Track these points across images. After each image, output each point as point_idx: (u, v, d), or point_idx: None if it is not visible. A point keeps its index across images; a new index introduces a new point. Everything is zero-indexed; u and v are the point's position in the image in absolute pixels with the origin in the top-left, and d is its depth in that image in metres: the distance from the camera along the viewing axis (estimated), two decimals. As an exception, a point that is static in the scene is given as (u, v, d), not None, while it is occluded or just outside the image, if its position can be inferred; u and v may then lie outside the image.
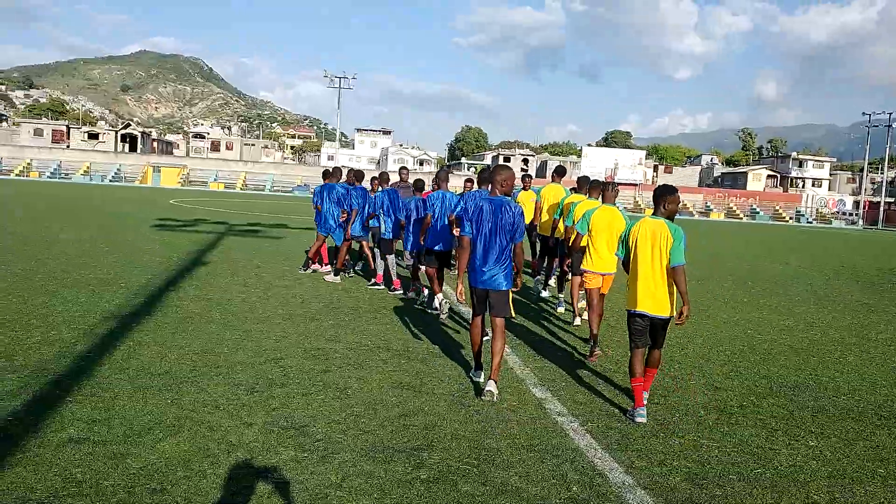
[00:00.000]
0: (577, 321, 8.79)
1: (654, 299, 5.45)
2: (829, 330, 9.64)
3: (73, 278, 9.90)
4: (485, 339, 6.29)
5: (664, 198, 5.56)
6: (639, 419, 5.22)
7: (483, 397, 5.49)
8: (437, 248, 8.88)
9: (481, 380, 5.97)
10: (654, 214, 5.65)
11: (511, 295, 5.81)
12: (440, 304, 8.68)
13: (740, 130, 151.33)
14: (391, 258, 10.73)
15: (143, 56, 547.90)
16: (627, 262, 5.70)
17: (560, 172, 11.68)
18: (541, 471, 4.23)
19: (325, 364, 6.26)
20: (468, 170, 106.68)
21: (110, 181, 73.04)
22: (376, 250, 11.35)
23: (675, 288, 5.41)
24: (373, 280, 11.03)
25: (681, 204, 10.66)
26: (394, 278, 10.62)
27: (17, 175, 71.40)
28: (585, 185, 9.19)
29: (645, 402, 5.39)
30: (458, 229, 6.56)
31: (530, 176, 13.02)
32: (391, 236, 10.66)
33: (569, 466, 4.32)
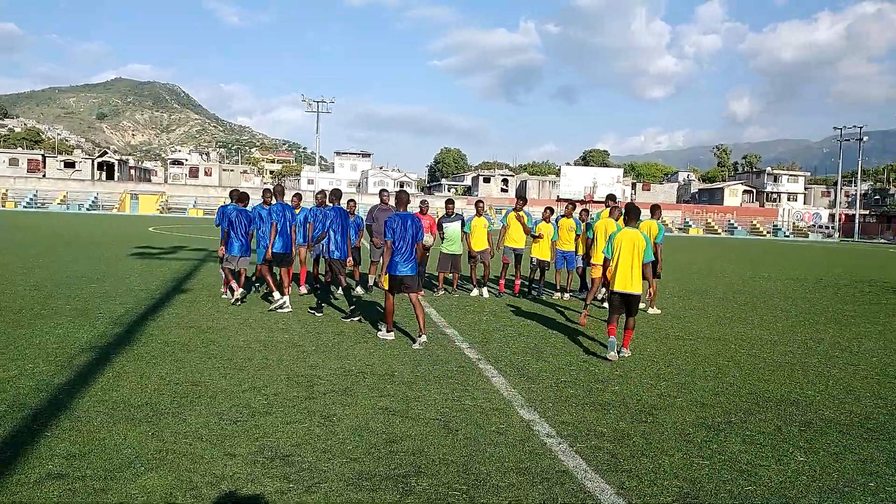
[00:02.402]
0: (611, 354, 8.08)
1: (630, 283, 8.03)
2: (813, 343, 9.70)
3: (50, 309, 9.72)
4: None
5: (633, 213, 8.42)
6: (610, 354, 7.83)
7: (417, 346, 8.19)
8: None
9: (391, 337, 8.63)
10: (627, 225, 8.28)
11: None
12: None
13: (715, 147, 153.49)
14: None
15: (118, 83, 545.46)
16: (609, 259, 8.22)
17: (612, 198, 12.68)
18: (531, 494, 4.17)
19: (309, 391, 6.17)
20: (448, 191, 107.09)
21: (87, 209, 72.40)
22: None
23: (643, 275, 8.11)
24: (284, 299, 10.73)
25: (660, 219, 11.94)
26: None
27: (-9, 205, 70.49)
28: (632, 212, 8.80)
29: (617, 350, 8.01)
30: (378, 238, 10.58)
31: (587, 210, 13.80)
32: (340, 256, 10.24)
33: (559, 489, 4.27)
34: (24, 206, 71.21)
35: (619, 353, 8.04)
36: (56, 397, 5.63)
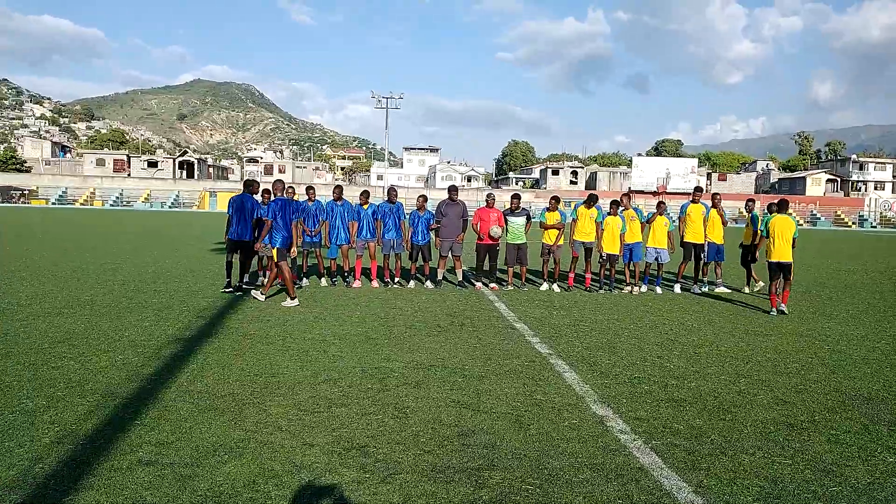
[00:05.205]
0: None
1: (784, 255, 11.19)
2: (902, 339, 9.24)
3: (137, 303, 10.20)
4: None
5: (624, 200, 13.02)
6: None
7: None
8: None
9: (295, 303, 10.39)
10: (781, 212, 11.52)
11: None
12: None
13: (796, 134, 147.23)
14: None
15: (196, 85, 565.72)
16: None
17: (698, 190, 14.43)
18: (606, 491, 4.14)
19: (383, 383, 6.28)
20: (515, 184, 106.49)
21: (170, 207, 75.37)
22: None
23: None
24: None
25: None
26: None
27: (81, 204, 74.27)
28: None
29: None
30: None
31: (663, 203, 14.01)
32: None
33: (634, 486, 4.22)
34: (111, 205, 74.74)
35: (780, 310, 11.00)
36: (144, 387, 5.92)
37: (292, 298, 10.56)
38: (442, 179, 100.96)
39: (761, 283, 13.79)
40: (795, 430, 5.33)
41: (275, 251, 10.84)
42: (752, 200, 14.59)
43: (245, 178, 13.00)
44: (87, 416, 5.15)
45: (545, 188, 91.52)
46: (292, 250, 11.09)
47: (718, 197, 14.01)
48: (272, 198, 11.38)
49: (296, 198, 12.66)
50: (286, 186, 11.65)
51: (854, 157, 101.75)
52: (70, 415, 5.16)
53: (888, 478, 4.47)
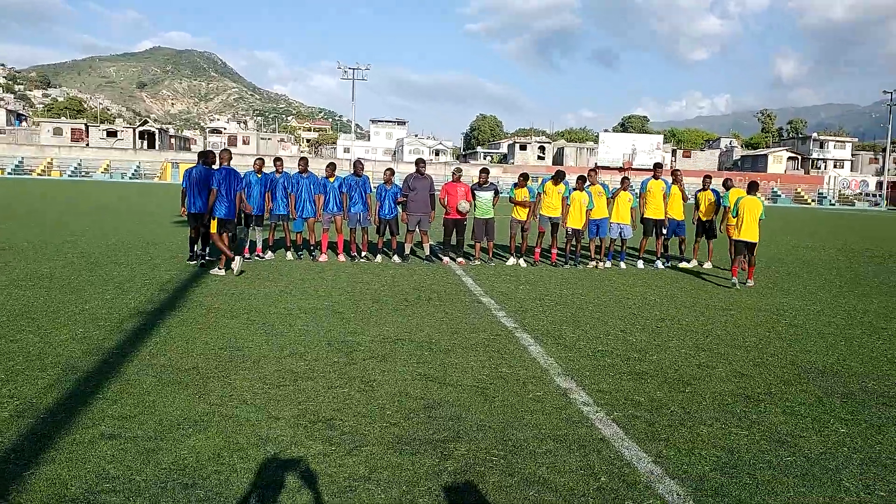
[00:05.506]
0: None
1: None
2: (857, 314, 9.52)
3: (98, 276, 10.02)
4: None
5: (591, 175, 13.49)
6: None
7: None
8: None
9: (223, 273, 10.52)
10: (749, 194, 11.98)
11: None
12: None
13: (759, 112, 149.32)
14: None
15: (157, 52, 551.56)
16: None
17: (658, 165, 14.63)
18: (568, 462, 4.22)
19: (349, 357, 6.28)
20: (484, 158, 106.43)
21: (130, 178, 73.81)
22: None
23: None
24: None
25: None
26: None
27: (38, 174, 72.31)
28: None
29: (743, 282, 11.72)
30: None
31: (627, 178, 14.25)
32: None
33: (596, 457, 4.31)
34: (69, 175, 72.86)
35: (745, 284, 11.66)
36: (106, 361, 5.84)
37: (220, 269, 10.66)
38: (410, 153, 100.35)
39: (695, 262, 14.29)
40: (752, 402, 5.49)
41: (214, 222, 10.76)
42: (709, 177, 14.72)
43: (200, 150, 12.59)
44: (48, 389, 5.07)
45: (513, 163, 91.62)
46: (234, 220, 11.20)
47: (679, 173, 14.20)
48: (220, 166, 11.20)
49: (264, 169, 12.60)
50: (256, 159, 11.65)
51: (815, 135, 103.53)
52: (30, 388, 5.07)
53: (839, 448, 4.63)
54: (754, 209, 11.71)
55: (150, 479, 3.78)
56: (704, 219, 14.24)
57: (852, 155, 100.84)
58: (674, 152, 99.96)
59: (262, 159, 12.96)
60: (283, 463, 4.05)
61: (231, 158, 11.34)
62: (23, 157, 76.37)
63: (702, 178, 14.73)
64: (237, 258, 10.58)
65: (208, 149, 12.28)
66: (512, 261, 13.36)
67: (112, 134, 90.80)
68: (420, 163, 13.22)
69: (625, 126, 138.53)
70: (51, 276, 9.80)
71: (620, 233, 13.39)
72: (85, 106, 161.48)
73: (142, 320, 7.36)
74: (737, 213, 11.84)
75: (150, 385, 5.26)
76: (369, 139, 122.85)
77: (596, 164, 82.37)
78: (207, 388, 5.27)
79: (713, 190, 14.30)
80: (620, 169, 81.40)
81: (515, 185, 13.49)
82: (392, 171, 13.21)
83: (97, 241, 14.26)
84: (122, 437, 4.28)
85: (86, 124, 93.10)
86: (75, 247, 13.22)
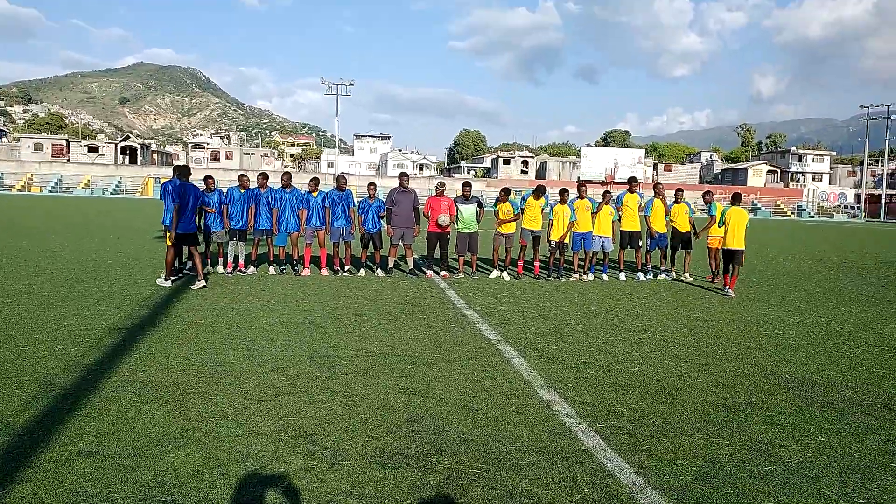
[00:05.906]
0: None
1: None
2: (836, 324, 9.62)
3: (77, 292, 9.91)
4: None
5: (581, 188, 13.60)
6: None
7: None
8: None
9: (168, 284, 10.67)
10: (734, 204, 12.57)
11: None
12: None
13: (739, 126, 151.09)
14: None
15: (140, 68, 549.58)
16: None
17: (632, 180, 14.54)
18: (551, 473, 4.22)
19: (331, 371, 6.25)
20: (467, 173, 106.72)
21: (111, 194, 73.19)
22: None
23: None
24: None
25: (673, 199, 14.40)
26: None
27: (18, 190, 71.56)
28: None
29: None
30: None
31: (609, 192, 14.39)
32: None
33: (579, 468, 4.31)
34: (49, 191, 72.13)
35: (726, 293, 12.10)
36: (84, 378, 5.77)
37: (164, 279, 10.87)
38: (394, 167, 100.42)
39: (673, 273, 14.53)
40: (733, 412, 5.52)
41: (170, 235, 10.78)
42: (681, 190, 14.78)
43: (176, 164, 12.59)
44: (25, 407, 5.00)
45: (497, 177, 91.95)
46: (199, 237, 11.40)
47: (661, 186, 14.32)
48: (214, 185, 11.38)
49: (249, 185, 12.60)
50: (240, 175, 11.95)
51: (794, 149, 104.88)
52: (6, 406, 5.00)
53: (819, 456, 4.66)
54: (741, 219, 12.36)
55: (128, 496, 3.73)
56: (682, 231, 14.34)
57: (831, 168, 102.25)
58: (655, 166, 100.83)
59: (246, 175, 12.94)
60: (263, 479, 4.01)
61: (191, 174, 11.35)
62: (3, 173, 75.58)
63: (674, 192, 14.81)
64: (199, 282, 10.79)
65: (184, 163, 12.40)
66: (495, 273, 13.39)
67: (93, 149, 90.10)
68: (403, 177, 13.25)
69: (607, 141, 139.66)
70: (29, 292, 9.69)
71: (602, 245, 13.47)
72: (66, 122, 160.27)
73: (121, 336, 7.28)
74: (723, 223, 12.45)
75: (129, 401, 5.21)
76: (353, 154, 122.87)
77: (579, 177, 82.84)
78: (187, 403, 5.22)
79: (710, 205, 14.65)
80: (602, 183, 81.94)
81: (498, 199, 13.55)
82: (374, 185, 13.22)
83: (77, 257, 14.11)
84: (100, 455, 4.22)
85: (67, 140, 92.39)
86: (54, 262, 13.08)
